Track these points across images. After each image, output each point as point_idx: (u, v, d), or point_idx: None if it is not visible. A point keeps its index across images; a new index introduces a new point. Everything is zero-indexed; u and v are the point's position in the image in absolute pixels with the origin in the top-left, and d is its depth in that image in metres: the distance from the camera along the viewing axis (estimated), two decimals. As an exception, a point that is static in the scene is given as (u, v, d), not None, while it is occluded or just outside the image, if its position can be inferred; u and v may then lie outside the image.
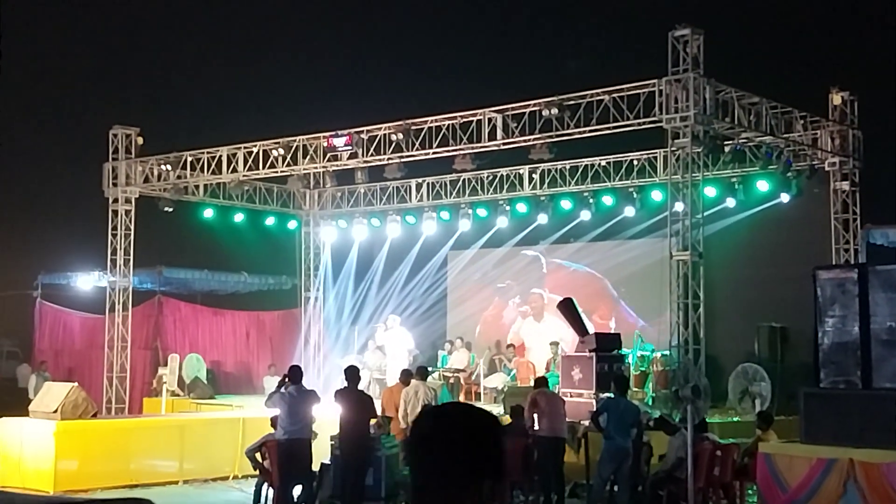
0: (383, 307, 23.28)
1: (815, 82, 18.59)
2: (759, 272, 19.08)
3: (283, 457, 12.03)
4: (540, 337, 21.66)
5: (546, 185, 20.59)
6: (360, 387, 13.09)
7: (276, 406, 12.09)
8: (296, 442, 12.01)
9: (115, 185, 20.71)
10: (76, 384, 15.50)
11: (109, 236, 20.79)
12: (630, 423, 12.43)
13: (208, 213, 21.79)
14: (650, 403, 17.00)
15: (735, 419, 16.24)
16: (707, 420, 13.45)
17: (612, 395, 12.90)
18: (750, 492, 12.62)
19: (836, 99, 17.52)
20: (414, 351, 20.76)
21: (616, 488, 12.63)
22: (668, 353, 15.91)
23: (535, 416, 13.14)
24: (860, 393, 10.44)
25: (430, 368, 17.65)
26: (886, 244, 17.44)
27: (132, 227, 20.80)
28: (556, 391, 15.33)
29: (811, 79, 19.77)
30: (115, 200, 20.74)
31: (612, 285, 22.09)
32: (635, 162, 19.45)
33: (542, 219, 20.97)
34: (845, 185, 17.82)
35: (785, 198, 17.87)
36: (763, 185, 18.04)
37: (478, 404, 18.76)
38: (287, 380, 12.26)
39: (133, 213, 20.80)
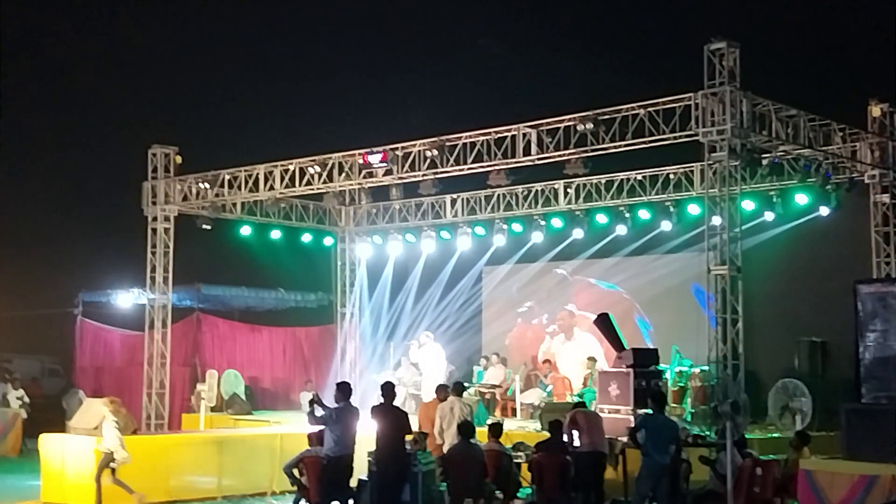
0: (419, 323, 23.32)
1: (854, 94, 18.40)
2: (799, 286, 18.89)
3: (331, 473, 12.07)
4: (571, 354, 21.58)
5: (581, 199, 20.53)
6: (396, 403, 13.09)
7: (330, 422, 12.10)
8: (345, 458, 12.11)
9: (154, 203, 20.95)
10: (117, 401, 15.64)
11: (149, 254, 21.01)
12: (668, 440, 12.33)
13: (245, 231, 21.97)
14: (689, 419, 16.86)
15: (775, 435, 16.05)
16: (747, 436, 13.33)
17: (649, 412, 12.82)
18: (791, 509, 12.46)
19: (876, 111, 17.33)
20: (450, 366, 20.76)
21: (655, 505, 12.53)
22: (706, 368, 15.77)
23: (575, 433, 13.10)
24: (903, 409, 10.29)
25: (465, 384, 17.62)
26: (928, 257, 17.20)
27: (171, 245, 21.01)
28: (594, 407, 15.27)
29: (850, 91, 19.58)
30: (155, 219, 20.98)
31: (641, 304, 21.91)
32: (672, 176, 19.36)
33: (578, 234, 20.91)
34: (885, 198, 17.61)
35: (824, 211, 17.68)
36: (802, 199, 17.86)
37: (514, 420, 18.75)
38: (318, 396, 12.39)
39: (172, 230, 21.02)
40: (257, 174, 19.86)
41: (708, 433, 14.42)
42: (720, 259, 14.82)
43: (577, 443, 13.03)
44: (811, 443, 12.56)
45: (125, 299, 24.51)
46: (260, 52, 31.35)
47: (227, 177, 20.32)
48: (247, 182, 20.04)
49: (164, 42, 31.66)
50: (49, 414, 21.67)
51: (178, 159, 20.93)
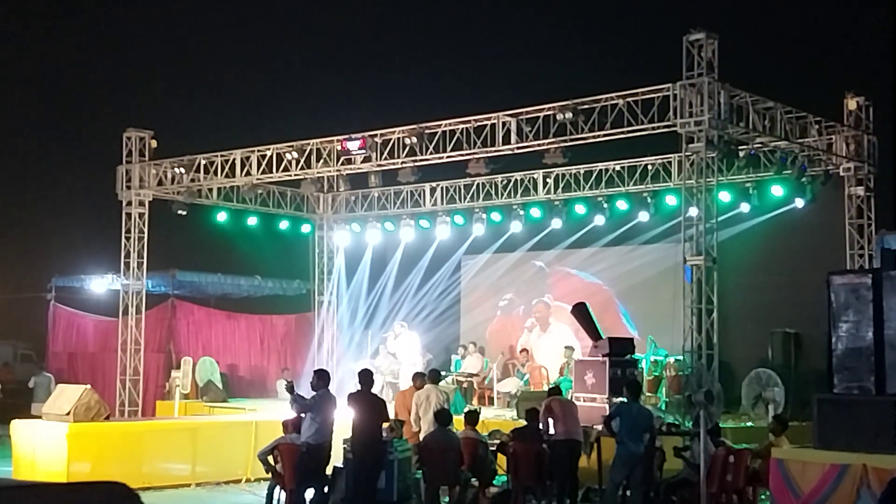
0: (397, 311, 23.31)
1: (831, 87, 18.53)
2: (773, 277, 19.02)
3: (309, 460, 12.02)
4: (547, 346, 21.62)
5: (560, 189, 20.59)
6: (374, 391, 13.08)
7: (313, 409, 12.04)
8: (324, 446, 12.08)
9: (128, 188, 20.79)
10: (89, 387, 15.56)
11: (123, 239, 20.86)
12: (643, 429, 12.39)
13: (222, 217, 21.82)
14: (663, 408, 16.96)
15: (748, 425, 16.18)
16: (720, 425, 13.42)
17: (625, 400, 12.87)
18: (763, 497, 12.57)
19: (852, 104, 17.46)
20: (427, 355, 20.77)
21: (629, 493, 12.60)
22: (681, 358, 15.86)
23: (550, 420, 13.13)
24: (874, 399, 10.38)
25: (443, 373, 17.63)
26: (901, 250, 17.35)
27: (146, 230, 20.87)
28: (570, 396, 15.32)
29: (826, 84, 19.71)
30: (129, 203, 20.83)
31: (619, 294, 21.96)
32: (650, 166, 19.43)
33: (556, 224, 20.95)
34: (860, 191, 17.75)
35: (799, 203, 17.82)
36: (777, 191, 17.98)
37: (491, 409, 18.79)
38: (292, 385, 12.35)
39: (146, 216, 20.88)
40: (234, 159, 19.73)
41: (682, 422, 14.52)
42: (696, 250, 14.89)
43: (552, 431, 13.07)
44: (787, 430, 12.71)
45: (99, 285, 24.35)
46: (237, 36, 31.16)
47: (203, 162, 20.17)
48: (223, 167, 19.91)
49: (140, 25, 31.40)
50: (21, 399, 21.53)
51: (154, 143, 20.76)
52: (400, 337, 20.56)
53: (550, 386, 16.27)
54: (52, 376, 21.93)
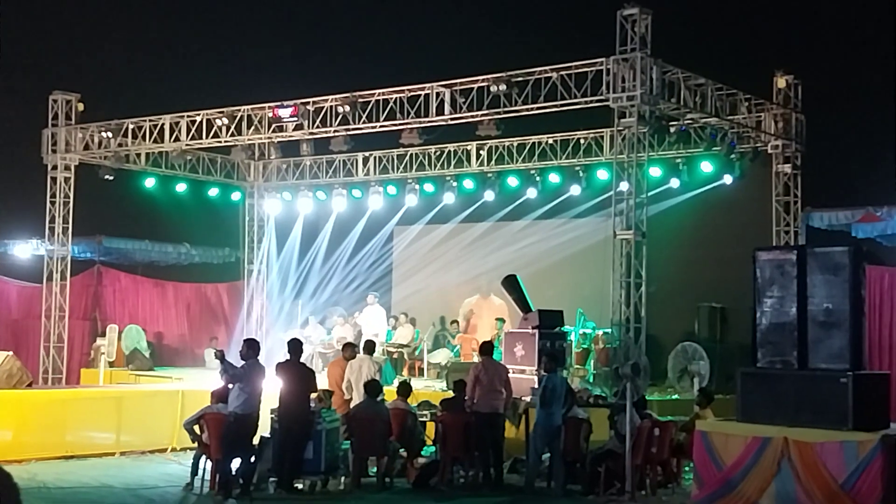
0: (328, 281, 23.17)
1: (761, 65, 18.76)
2: (701, 253, 19.30)
3: (236, 430, 11.84)
4: (486, 315, 21.66)
5: (493, 161, 20.61)
6: (302, 360, 12.97)
7: (243, 379, 11.84)
8: (252, 416, 11.92)
9: (54, 151, 20.35)
10: (11, 353, 15.21)
11: (48, 204, 20.45)
12: (563, 397, 12.53)
13: (150, 183, 21.46)
14: (591, 380, 17.15)
15: (674, 397, 16.47)
16: (646, 398, 13.61)
17: (547, 372, 12.86)
18: (687, 469, 12.79)
19: (781, 82, 17.74)
20: (357, 326, 20.71)
21: (552, 464, 12.72)
22: (609, 330, 16.03)
23: (478, 389, 13.09)
24: (796, 373, 10.59)
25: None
26: (825, 227, 17.76)
27: (71, 195, 20.49)
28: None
29: (756, 62, 19.93)
30: (55, 167, 20.39)
31: (550, 267, 21.89)
32: (582, 140, 19.54)
33: (489, 196, 20.98)
34: (787, 168, 18.07)
35: (728, 179, 18.08)
36: (707, 167, 18.22)
37: (421, 380, 18.81)
38: (223, 354, 12.15)
39: (72, 180, 20.50)
40: (163, 124, 19.36)
41: (608, 394, 14.69)
42: (626, 224, 15.03)
43: (475, 400, 13.01)
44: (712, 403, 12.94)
45: (23, 250, 23.81)
46: (168, -1, 30.41)
47: (131, 126, 19.78)
48: (151, 132, 19.53)
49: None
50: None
51: (80, 106, 20.36)
52: (369, 308, 20.61)
53: (483, 342, 15.85)
54: None
